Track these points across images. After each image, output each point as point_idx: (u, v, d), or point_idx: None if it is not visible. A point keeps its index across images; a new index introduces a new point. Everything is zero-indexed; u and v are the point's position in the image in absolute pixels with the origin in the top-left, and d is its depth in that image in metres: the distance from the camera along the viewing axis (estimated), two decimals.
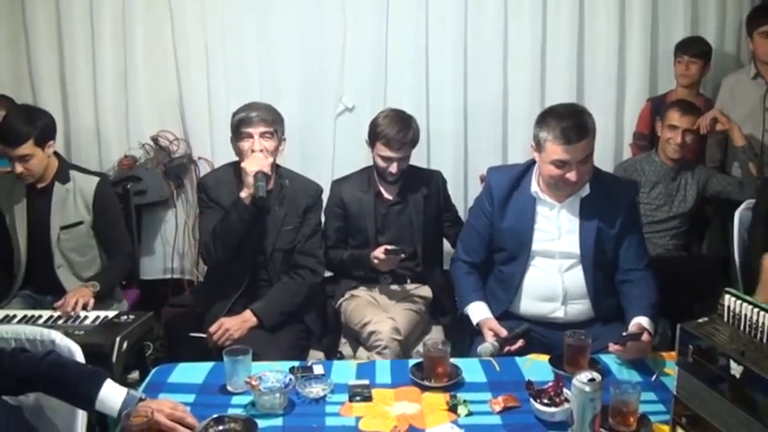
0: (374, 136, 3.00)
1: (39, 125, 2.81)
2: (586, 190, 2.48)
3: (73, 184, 2.95)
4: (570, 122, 2.35)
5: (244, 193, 2.72)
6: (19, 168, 2.81)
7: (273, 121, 2.83)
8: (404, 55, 3.86)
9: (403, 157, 3.00)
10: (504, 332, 2.39)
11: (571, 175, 2.37)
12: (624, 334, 2.20)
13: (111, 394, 1.76)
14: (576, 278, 2.49)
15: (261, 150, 2.76)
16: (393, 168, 2.99)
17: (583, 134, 2.35)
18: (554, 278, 2.49)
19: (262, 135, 2.79)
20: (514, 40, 3.88)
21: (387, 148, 2.96)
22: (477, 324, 2.49)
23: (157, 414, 1.71)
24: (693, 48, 3.66)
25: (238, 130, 2.81)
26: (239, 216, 2.73)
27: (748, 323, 1.62)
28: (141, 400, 1.78)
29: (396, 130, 2.94)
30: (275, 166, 2.86)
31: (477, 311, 2.53)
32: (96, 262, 3.06)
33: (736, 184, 3.41)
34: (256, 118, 2.79)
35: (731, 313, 1.67)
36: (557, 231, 2.50)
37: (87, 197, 2.96)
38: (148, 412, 1.69)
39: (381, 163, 3.01)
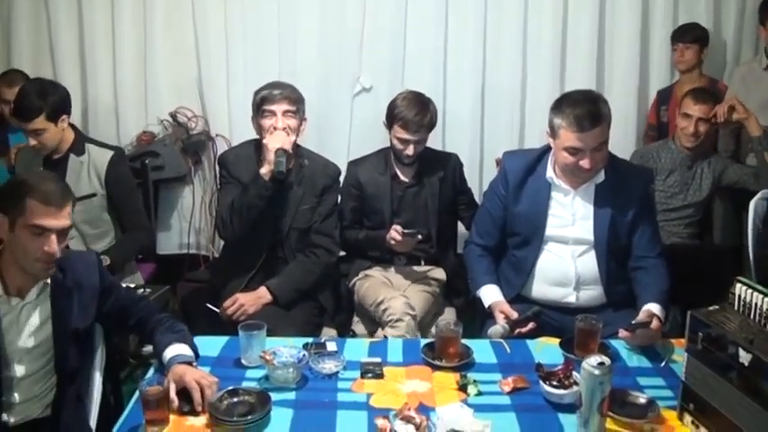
0: (392, 118, 3.00)
1: (50, 100, 2.82)
2: (601, 176, 2.47)
3: (87, 157, 2.97)
4: (584, 110, 2.34)
5: (264, 170, 2.73)
6: (32, 142, 2.85)
7: (296, 101, 2.83)
8: (422, 36, 3.85)
9: (420, 140, 3.01)
10: (514, 315, 2.41)
11: (584, 163, 2.37)
12: (633, 322, 2.21)
13: (175, 350, 1.96)
14: (589, 264, 2.50)
15: (283, 128, 2.78)
16: (410, 151, 3.00)
17: (596, 122, 2.34)
18: (567, 263, 2.50)
19: (284, 113, 2.79)
20: (535, 24, 3.86)
21: (404, 131, 2.97)
22: (489, 307, 2.51)
23: (187, 377, 1.83)
24: (688, 35, 3.72)
25: (261, 107, 2.81)
26: (258, 192, 2.73)
27: (758, 312, 1.63)
28: (189, 363, 1.91)
29: (414, 112, 2.95)
30: (296, 146, 2.86)
31: (489, 294, 2.54)
32: (110, 235, 3.07)
33: (751, 174, 3.38)
34: (279, 96, 2.80)
35: (742, 302, 1.68)
36: (571, 217, 2.51)
37: (100, 171, 2.97)
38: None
39: (398, 145, 3.01)
